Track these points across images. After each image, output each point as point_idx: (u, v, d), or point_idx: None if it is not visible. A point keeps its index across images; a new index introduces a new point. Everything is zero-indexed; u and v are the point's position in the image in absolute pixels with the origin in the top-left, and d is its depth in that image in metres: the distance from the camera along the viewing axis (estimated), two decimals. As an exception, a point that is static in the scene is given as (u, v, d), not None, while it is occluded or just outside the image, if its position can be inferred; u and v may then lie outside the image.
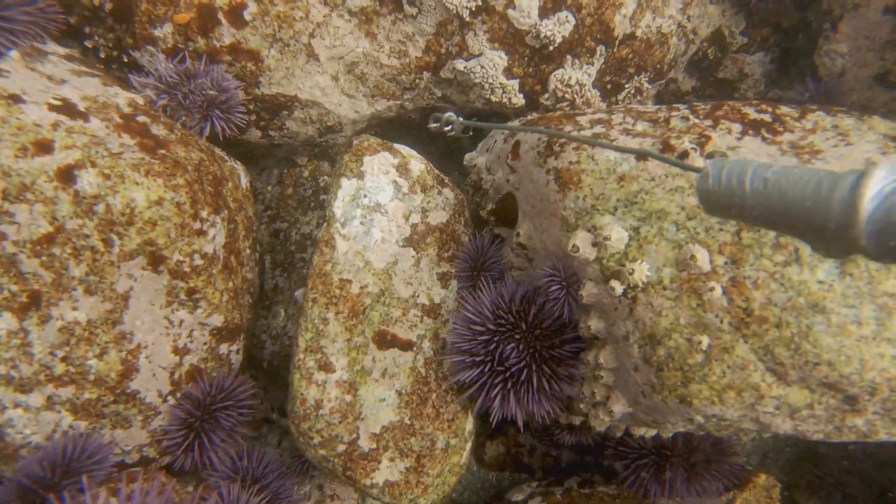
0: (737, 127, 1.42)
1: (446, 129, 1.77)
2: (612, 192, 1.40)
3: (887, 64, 1.71)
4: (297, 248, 2.30)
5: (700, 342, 1.27)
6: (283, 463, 2.20)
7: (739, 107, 1.48)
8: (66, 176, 1.39)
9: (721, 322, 1.27)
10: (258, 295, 2.11)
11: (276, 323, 2.22)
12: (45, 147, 1.38)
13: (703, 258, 1.29)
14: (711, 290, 1.27)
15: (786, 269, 1.24)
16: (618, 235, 1.37)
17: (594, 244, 1.40)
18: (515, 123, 1.91)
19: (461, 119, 1.80)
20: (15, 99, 1.39)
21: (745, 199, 0.84)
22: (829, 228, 0.73)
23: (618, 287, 1.36)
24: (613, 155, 1.42)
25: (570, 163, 1.45)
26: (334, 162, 2.41)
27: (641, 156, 1.40)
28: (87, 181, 1.41)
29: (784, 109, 1.45)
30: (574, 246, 1.40)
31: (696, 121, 1.46)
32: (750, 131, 1.41)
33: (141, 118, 1.61)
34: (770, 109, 1.45)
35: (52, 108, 1.43)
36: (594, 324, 1.46)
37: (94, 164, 1.42)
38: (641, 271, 1.33)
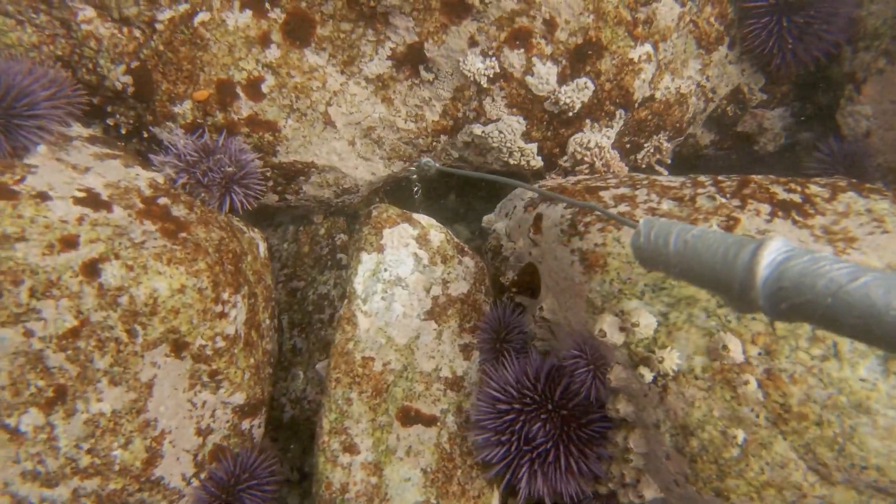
0: (765, 208, 1.40)
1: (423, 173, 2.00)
2: (639, 277, 1.38)
3: (914, 130, 1.69)
4: (315, 309, 2.29)
5: (735, 436, 1.24)
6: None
7: (767, 185, 1.46)
8: (91, 270, 1.39)
9: (757, 417, 1.24)
10: (276, 359, 2.10)
11: (296, 386, 2.21)
12: (70, 242, 1.38)
13: (735, 349, 1.26)
14: (746, 383, 1.25)
15: (824, 363, 1.21)
16: (646, 322, 1.35)
17: (622, 329, 1.38)
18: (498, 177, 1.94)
19: (437, 165, 2.00)
20: (42, 197, 1.39)
21: (668, 257, 0.98)
22: (734, 289, 0.85)
23: (647, 374, 1.34)
24: (640, 238, 1.40)
25: (596, 245, 1.44)
26: (350, 218, 2.41)
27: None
28: (111, 273, 1.40)
29: (813, 189, 1.43)
30: (601, 331, 1.38)
31: (723, 200, 1.44)
32: (780, 213, 1.39)
33: (162, 200, 1.60)
34: (799, 189, 1.43)
35: (77, 201, 1.43)
36: (623, 407, 1.43)
37: (117, 256, 1.41)
38: (671, 359, 1.31)
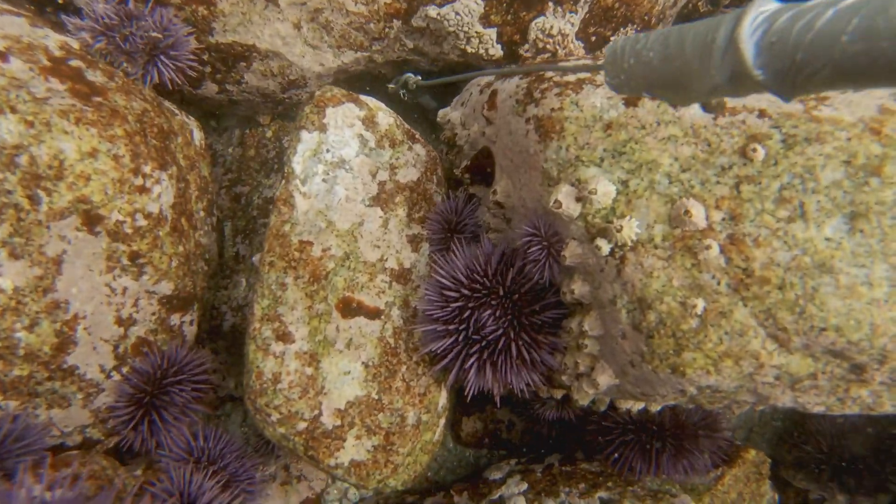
0: (735, 71, 1.29)
1: (405, 89, 1.93)
2: (598, 142, 1.26)
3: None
4: (260, 214, 2.14)
5: (695, 306, 1.15)
6: (248, 442, 2.07)
7: (737, 50, 1.35)
8: (-18, 122, 1.22)
9: (718, 284, 1.15)
10: (216, 263, 1.96)
11: (237, 293, 2.08)
12: (-46, 88, 1.21)
13: (698, 213, 1.17)
14: (708, 248, 1.15)
15: (790, 225, 1.12)
16: (604, 189, 1.24)
17: (578, 199, 1.27)
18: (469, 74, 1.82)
19: (419, 78, 1.92)
20: (-84, 31, 1.21)
21: (645, 46, 0.87)
22: (718, 41, 0.73)
23: (604, 246, 1.24)
24: (600, 101, 1.29)
25: (552, 109, 1.32)
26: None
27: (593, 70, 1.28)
28: (7, 129, 1.24)
29: (786, 52, 1.32)
30: (556, 201, 1.27)
31: (691, 65, 1.33)
32: (749, 75, 1.28)
33: (74, 62, 1.43)
34: (771, 52, 1.32)
35: (-37, 44, 1.26)
36: (578, 287, 1.33)
37: (13, 110, 1.25)
38: (630, 228, 1.21)
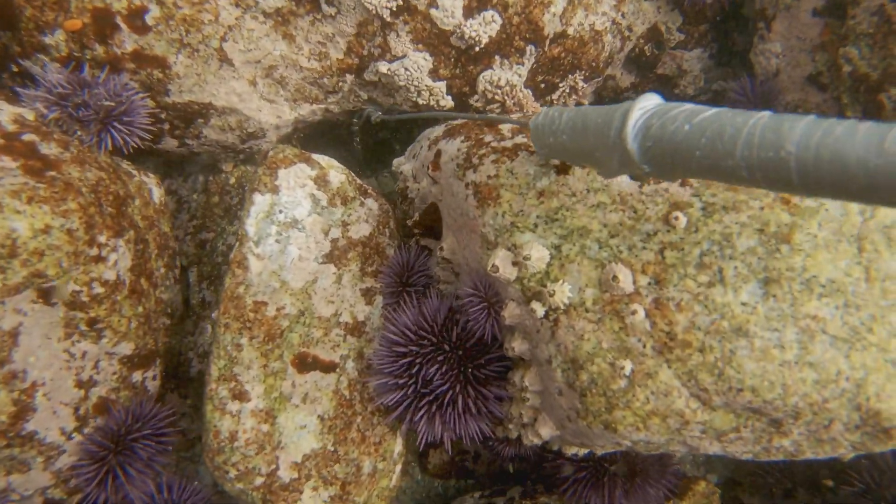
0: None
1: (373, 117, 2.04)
2: (531, 209, 1.32)
3: (818, 65, 1.66)
4: (224, 260, 2.19)
5: (623, 367, 1.22)
6: (217, 484, 2.11)
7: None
8: (-66, 206, 1.26)
9: (644, 346, 1.21)
10: (182, 312, 2.00)
11: (203, 339, 2.12)
12: None
13: (625, 279, 1.23)
14: (634, 312, 1.21)
15: (710, 290, 1.19)
16: (538, 254, 1.30)
17: (515, 263, 1.33)
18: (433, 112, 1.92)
19: (380, 113, 2.03)
20: None
21: (559, 128, 1.12)
22: (611, 137, 0.95)
23: (539, 309, 1.29)
24: (532, 169, 1.35)
25: (489, 177, 1.37)
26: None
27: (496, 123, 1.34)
28: (-40, 211, 1.28)
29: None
30: (494, 265, 1.33)
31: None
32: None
33: (27, 136, 1.47)
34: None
35: (-85, 131, 1.30)
36: (518, 345, 1.39)
37: (-34, 193, 1.29)
38: (563, 292, 1.27)
